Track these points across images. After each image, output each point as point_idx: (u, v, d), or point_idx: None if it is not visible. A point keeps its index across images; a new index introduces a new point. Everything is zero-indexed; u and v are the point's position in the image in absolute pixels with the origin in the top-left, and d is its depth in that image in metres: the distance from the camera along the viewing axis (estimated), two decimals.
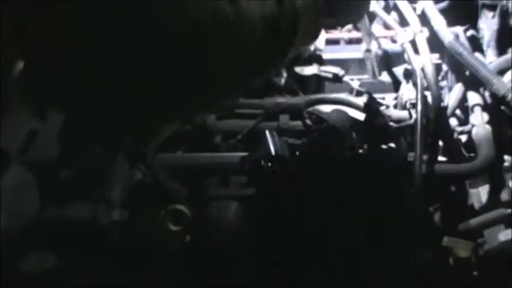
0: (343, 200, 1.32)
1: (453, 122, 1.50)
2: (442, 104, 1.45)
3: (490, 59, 1.55)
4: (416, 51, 1.50)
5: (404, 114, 1.47)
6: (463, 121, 1.49)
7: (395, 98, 1.57)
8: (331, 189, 1.34)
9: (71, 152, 1.38)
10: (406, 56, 1.52)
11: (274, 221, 1.32)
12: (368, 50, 1.57)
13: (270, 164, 1.35)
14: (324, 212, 1.32)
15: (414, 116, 1.40)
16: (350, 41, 1.85)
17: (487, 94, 1.46)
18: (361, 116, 1.48)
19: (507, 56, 1.49)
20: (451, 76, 1.53)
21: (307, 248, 1.31)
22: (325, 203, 1.32)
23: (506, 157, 1.39)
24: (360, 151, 1.41)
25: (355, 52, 1.72)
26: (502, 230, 1.29)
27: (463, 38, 1.56)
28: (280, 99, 1.52)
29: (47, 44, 0.99)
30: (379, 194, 1.33)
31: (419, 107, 1.37)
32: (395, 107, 1.53)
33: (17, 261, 1.19)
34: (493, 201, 1.37)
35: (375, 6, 1.63)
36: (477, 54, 1.53)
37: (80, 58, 0.97)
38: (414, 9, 1.60)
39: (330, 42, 1.70)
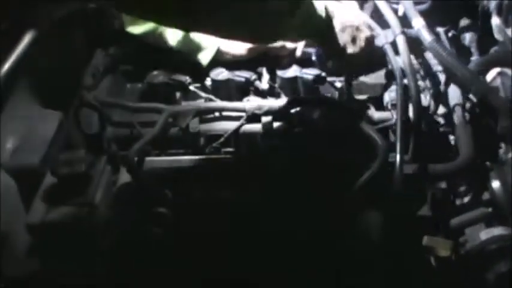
0: (325, 202, 1.33)
1: (435, 122, 1.50)
2: (424, 104, 1.46)
3: (472, 59, 1.56)
4: (397, 52, 1.50)
5: (386, 114, 1.48)
6: (445, 121, 1.50)
7: (378, 99, 1.56)
8: (313, 190, 1.34)
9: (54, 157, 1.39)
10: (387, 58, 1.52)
11: (257, 222, 1.33)
12: None
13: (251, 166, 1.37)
14: (308, 214, 1.32)
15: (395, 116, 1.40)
16: None
17: (468, 94, 1.46)
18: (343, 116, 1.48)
19: (487, 56, 1.50)
20: (432, 76, 1.53)
21: (290, 248, 1.31)
22: (307, 204, 1.33)
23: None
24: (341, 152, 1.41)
25: None
26: (483, 229, 1.30)
27: (444, 39, 1.57)
28: (262, 102, 1.53)
29: None
30: (362, 194, 1.33)
31: (399, 107, 1.37)
32: (378, 108, 1.53)
33: (1, 266, 1.19)
34: (475, 200, 1.37)
35: (355, 7, 1.63)
36: (458, 55, 1.54)
37: None
38: (396, 11, 1.61)
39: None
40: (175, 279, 1.30)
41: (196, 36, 1.65)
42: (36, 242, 1.31)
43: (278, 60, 1.63)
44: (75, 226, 1.29)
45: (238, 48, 1.64)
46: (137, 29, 1.65)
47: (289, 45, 1.63)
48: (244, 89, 1.59)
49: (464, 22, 1.65)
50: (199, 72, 1.64)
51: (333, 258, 1.33)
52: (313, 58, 1.59)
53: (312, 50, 1.60)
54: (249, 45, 1.63)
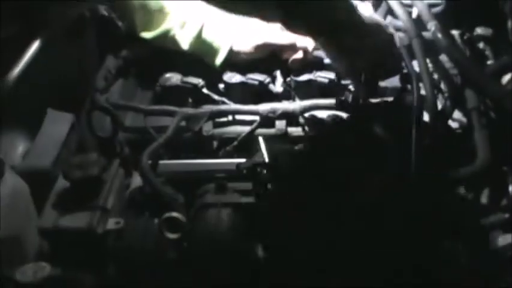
0: (341, 208, 1.31)
1: (451, 126, 1.49)
2: (440, 108, 1.45)
3: (488, 62, 1.55)
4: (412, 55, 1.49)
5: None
6: (462, 125, 1.48)
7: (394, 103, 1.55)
8: (329, 196, 1.33)
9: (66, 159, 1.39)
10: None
11: (271, 228, 1.31)
12: None
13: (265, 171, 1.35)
14: (322, 219, 1.31)
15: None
16: None
17: (484, 98, 1.45)
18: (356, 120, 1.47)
19: (503, 60, 1.49)
20: (448, 80, 1.51)
21: (305, 254, 1.30)
22: (322, 210, 1.31)
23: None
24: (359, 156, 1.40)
25: None
26: (500, 235, 1.28)
27: (459, 42, 1.56)
28: (276, 105, 1.52)
29: None
30: (380, 201, 1.32)
31: (415, 111, 1.36)
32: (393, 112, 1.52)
33: (12, 271, 1.18)
34: (492, 205, 1.35)
35: (370, 11, 1.62)
36: (473, 58, 1.53)
37: None
38: (410, 13, 1.60)
39: None
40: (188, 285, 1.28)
41: (209, 37, 1.64)
42: (48, 246, 1.31)
43: (291, 62, 1.62)
44: (88, 230, 1.27)
45: (248, 46, 1.63)
46: (150, 34, 1.65)
47: (300, 44, 1.62)
48: (258, 92, 1.58)
49: (479, 25, 1.63)
50: (213, 74, 1.63)
51: (348, 260, 1.31)
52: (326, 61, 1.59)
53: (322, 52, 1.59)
54: (258, 43, 1.62)
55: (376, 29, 1.45)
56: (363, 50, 1.41)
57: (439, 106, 1.45)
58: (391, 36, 1.50)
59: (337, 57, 1.47)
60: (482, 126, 1.39)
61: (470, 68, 1.43)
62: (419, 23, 1.54)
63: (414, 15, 1.60)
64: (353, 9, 1.37)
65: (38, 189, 1.33)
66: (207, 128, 1.51)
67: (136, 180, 1.43)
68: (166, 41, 1.65)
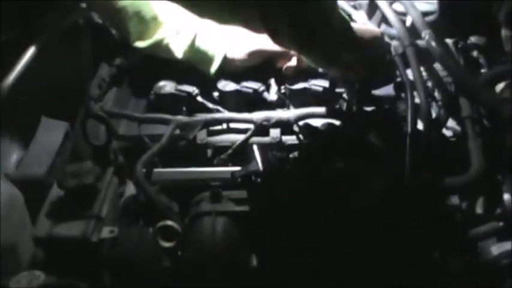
0: (336, 215, 1.31)
1: (445, 134, 1.49)
2: (434, 116, 1.45)
3: (481, 71, 1.56)
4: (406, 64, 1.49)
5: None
6: (456, 133, 1.49)
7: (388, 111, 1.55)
8: (323, 204, 1.33)
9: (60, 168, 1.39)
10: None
11: (266, 236, 1.31)
12: None
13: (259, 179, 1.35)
14: (317, 227, 1.31)
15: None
16: None
17: (478, 106, 1.45)
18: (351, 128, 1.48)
19: (497, 68, 1.49)
20: (442, 88, 1.52)
21: (300, 263, 1.30)
22: (317, 218, 1.32)
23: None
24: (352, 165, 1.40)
25: None
26: (495, 243, 1.28)
27: (453, 50, 1.57)
28: (271, 114, 1.51)
29: None
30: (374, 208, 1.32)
31: (409, 120, 1.36)
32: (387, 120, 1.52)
33: (6, 280, 1.18)
34: (486, 214, 1.36)
35: (364, 19, 1.63)
36: (467, 66, 1.54)
37: None
38: (404, 21, 1.60)
39: None
40: None
41: (203, 46, 1.64)
42: (42, 254, 1.30)
43: (285, 70, 1.62)
44: (82, 239, 1.27)
45: (241, 53, 1.63)
46: (144, 43, 1.65)
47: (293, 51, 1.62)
48: (252, 100, 1.58)
49: (473, 33, 1.64)
50: (207, 82, 1.63)
51: (344, 266, 1.31)
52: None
53: None
54: (252, 50, 1.62)
55: (370, 39, 1.45)
56: (358, 60, 1.41)
57: (433, 114, 1.45)
58: (386, 45, 1.50)
59: (331, 69, 1.47)
60: (476, 135, 1.39)
61: (464, 77, 1.43)
62: (413, 32, 1.55)
63: (408, 23, 1.60)
64: (344, 20, 1.36)
65: (32, 198, 1.33)
66: (201, 136, 1.51)
67: (131, 189, 1.43)
68: (160, 50, 1.65)
